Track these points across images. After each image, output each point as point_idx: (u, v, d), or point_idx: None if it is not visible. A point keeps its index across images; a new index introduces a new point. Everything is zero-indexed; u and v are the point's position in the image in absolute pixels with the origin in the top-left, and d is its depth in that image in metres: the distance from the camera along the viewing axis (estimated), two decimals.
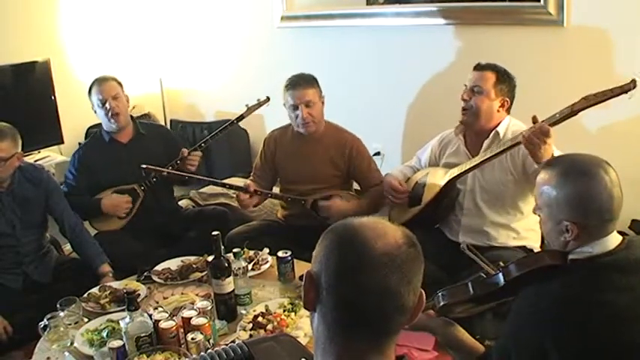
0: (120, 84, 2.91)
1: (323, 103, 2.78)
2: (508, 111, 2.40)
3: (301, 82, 2.71)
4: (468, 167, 2.37)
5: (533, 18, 2.79)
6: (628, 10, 2.53)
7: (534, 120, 2.06)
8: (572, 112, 1.98)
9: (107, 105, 2.82)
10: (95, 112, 2.89)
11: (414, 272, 0.93)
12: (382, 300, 0.90)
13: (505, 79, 2.35)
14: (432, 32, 3.18)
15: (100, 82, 2.86)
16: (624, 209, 1.36)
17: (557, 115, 2.02)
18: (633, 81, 1.85)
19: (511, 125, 2.38)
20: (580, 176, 1.34)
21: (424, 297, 0.96)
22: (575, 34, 2.68)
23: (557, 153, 1.99)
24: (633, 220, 2.56)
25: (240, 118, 2.95)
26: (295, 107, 2.71)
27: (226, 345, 1.15)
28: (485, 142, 2.38)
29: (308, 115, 2.70)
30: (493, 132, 2.37)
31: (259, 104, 2.94)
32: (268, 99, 2.94)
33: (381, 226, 0.94)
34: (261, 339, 1.24)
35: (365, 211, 2.70)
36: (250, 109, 2.94)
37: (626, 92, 1.87)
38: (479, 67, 2.38)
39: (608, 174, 1.34)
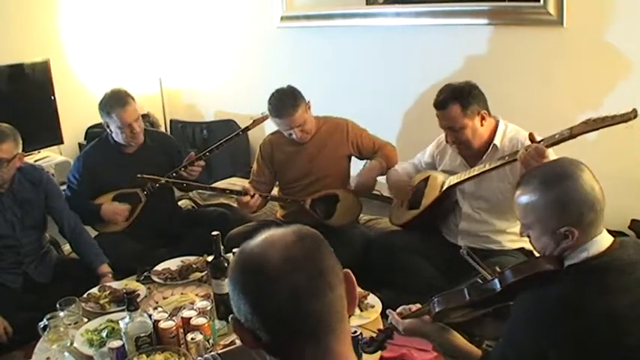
0: (134, 100, 2.83)
1: (309, 108, 2.76)
2: (490, 114, 2.35)
3: (285, 108, 2.66)
4: (466, 177, 2.36)
5: (533, 18, 2.79)
6: (627, 10, 2.54)
7: (531, 138, 2.06)
8: (571, 135, 1.97)
9: (132, 128, 2.76)
10: (107, 126, 2.81)
11: (320, 261, 0.90)
12: (301, 303, 0.87)
13: (469, 101, 2.27)
14: (432, 32, 3.18)
15: (121, 104, 2.73)
16: (624, 209, 1.36)
17: (557, 137, 2.01)
18: (634, 110, 1.84)
19: (507, 132, 2.35)
20: (561, 180, 1.34)
21: (351, 275, 0.94)
22: (575, 34, 2.68)
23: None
24: (633, 220, 2.54)
25: (246, 129, 2.93)
26: (286, 130, 2.74)
27: (200, 357, 1.12)
28: (485, 156, 2.35)
29: (302, 134, 2.73)
30: (491, 146, 2.33)
31: (264, 118, 2.87)
32: None
33: (267, 238, 0.94)
34: (237, 348, 1.19)
35: (384, 167, 2.80)
36: (256, 122, 2.89)
37: (626, 121, 1.85)
38: (440, 106, 2.32)
39: (582, 170, 1.35)
